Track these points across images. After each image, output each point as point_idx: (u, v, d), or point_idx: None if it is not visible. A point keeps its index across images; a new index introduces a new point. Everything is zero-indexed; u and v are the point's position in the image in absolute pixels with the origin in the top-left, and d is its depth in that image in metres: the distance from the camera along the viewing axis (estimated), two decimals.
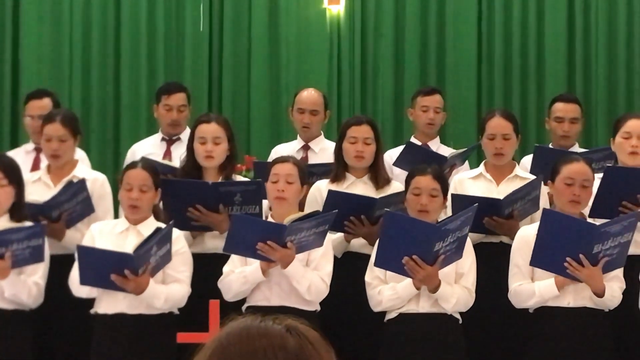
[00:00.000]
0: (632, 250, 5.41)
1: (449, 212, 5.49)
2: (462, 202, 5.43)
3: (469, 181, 5.88)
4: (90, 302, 5.33)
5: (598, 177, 5.60)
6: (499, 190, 5.77)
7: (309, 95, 6.76)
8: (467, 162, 6.64)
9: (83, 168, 6.03)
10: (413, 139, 6.82)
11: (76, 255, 5.21)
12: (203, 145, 5.75)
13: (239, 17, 8.28)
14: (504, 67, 8.18)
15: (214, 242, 5.63)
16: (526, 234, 5.25)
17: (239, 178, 5.94)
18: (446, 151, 6.59)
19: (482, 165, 6.00)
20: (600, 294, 5.14)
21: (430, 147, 6.71)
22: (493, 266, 5.46)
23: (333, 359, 1.72)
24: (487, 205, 5.57)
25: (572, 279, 5.11)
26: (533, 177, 5.85)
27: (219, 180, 5.74)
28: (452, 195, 5.60)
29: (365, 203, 5.58)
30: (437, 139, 6.90)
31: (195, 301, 5.23)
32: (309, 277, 5.25)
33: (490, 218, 5.62)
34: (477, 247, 5.45)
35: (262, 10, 8.27)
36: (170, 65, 8.24)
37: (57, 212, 5.66)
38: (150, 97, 7.49)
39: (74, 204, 5.67)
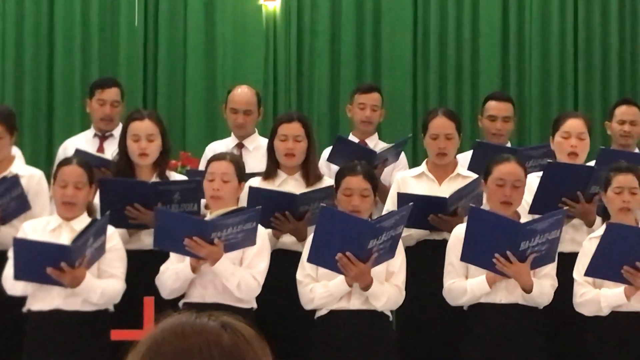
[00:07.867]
0: (568, 247, 5.48)
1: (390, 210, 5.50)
2: (408, 200, 5.43)
3: (411, 180, 5.89)
4: (23, 299, 5.26)
5: (537, 175, 5.66)
6: (442, 190, 5.79)
7: (243, 94, 6.70)
8: (404, 158, 6.65)
9: (20, 164, 5.96)
10: (351, 136, 6.83)
11: (10, 252, 5.14)
12: (137, 143, 5.70)
13: (174, 12, 8.23)
14: (439, 64, 8.22)
15: (150, 239, 5.57)
16: (460, 233, 5.28)
17: (174, 174, 5.90)
18: (383, 148, 6.60)
19: (424, 164, 6.00)
20: (528, 289, 5.20)
21: (367, 144, 6.72)
22: (436, 263, 5.47)
23: (268, 355, 1.72)
24: (433, 204, 5.61)
25: (501, 274, 5.16)
26: (475, 175, 5.89)
27: (154, 176, 5.70)
28: (399, 194, 5.62)
29: (286, 199, 5.57)
30: (375, 136, 6.91)
31: (130, 298, 5.20)
32: (239, 274, 5.23)
33: (436, 215, 5.64)
34: (421, 244, 5.49)
35: (197, 5, 8.23)
36: (104, 59, 8.16)
37: None
38: (84, 92, 7.40)
39: (7, 199, 5.61)
